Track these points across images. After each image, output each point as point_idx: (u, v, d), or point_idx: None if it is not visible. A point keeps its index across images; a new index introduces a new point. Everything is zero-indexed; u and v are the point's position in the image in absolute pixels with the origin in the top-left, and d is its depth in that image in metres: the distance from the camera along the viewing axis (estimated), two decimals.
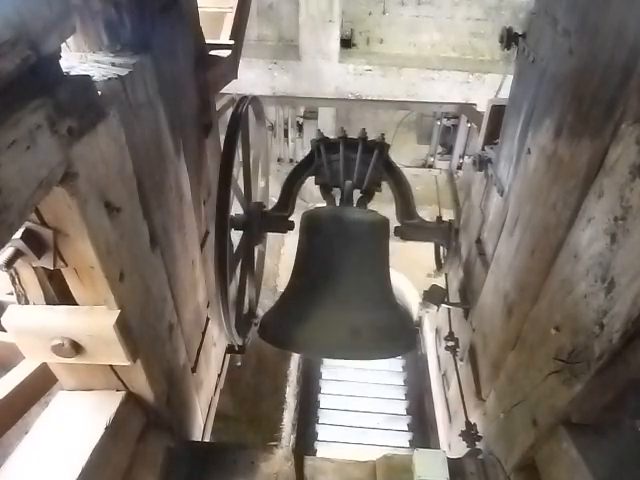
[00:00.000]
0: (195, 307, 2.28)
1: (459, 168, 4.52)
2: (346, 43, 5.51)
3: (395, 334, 2.17)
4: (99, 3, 1.34)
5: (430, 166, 4.73)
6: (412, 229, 2.39)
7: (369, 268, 2.23)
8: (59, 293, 1.36)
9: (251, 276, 2.54)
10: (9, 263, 1.14)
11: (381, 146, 2.35)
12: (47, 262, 1.20)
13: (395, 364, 5.51)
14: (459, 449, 2.46)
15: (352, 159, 2.34)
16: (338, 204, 2.41)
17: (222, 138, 2.00)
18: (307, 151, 2.48)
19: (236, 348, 2.79)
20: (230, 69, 2.33)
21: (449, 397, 3.13)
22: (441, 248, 2.74)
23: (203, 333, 2.46)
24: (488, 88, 4.92)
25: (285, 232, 2.38)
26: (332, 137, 2.42)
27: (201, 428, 2.52)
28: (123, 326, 1.34)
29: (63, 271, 1.26)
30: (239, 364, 3.05)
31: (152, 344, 1.64)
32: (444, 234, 2.39)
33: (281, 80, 5.47)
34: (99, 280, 1.25)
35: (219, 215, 1.89)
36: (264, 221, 2.33)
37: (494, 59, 5.47)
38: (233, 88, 2.68)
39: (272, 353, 4.86)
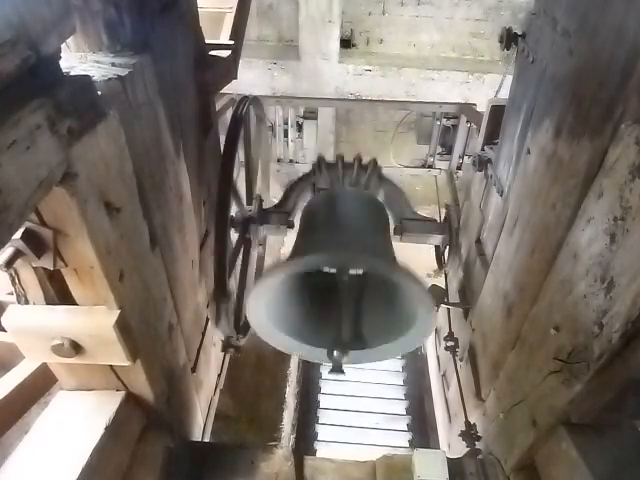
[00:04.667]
0: (195, 307, 2.28)
1: (459, 168, 4.51)
2: (346, 43, 5.51)
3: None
4: (99, 3, 1.34)
5: (430, 166, 4.71)
6: (410, 225, 2.40)
7: (370, 236, 2.22)
8: (59, 293, 1.36)
9: (251, 276, 2.54)
10: (9, 263, 1.14)
11: (374, 162, 2.44)
12: (47, 262, 1.20)
13: (395, 364, 5.51)
14: (459, 449, 2.46)
15: (349, 172, 2.44)
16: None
17: (222, 138, 2.01)
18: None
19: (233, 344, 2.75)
20: (230, 69, 2.33)
21: (449, 397, 3.13)
22: (441, 249, 2.74)
23: (203, 333, 2.46)
24: (488, 88, 4.92)
25: (285, 233, 2.39)
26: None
27: (201, 428, 2.52)
28: (123, 326, 1.34)
29: (63, 271, 1.26)
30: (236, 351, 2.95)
31: (152, 344, 1.64)
32: (443, 228, 2.40)
33: (281, 80, 5.47)
34: (99, 280, 1.25)
35: (219, 215, 1.89)
36: (264, 219, 2.34)
37: (494, 59, 5.47)
38: (233, 88, 2.68)
39: (272, 353, 4.86)
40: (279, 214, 2.37)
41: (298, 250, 2.14)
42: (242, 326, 2.34)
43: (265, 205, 2.44)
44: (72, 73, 1.09)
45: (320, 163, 2.48)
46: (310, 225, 2.25)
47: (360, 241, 2.04)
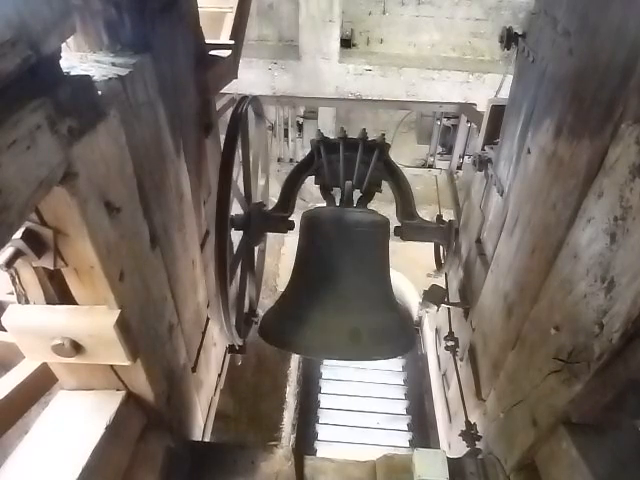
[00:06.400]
0: (195, 307, 2.28)
1: (459, 168, 4.51)
2: (346, 43, 5.51)
3: (394, 335, 2.17)
4: (99, 3, 1.34)
5: (430, 166, 4.71)
6: (412, 229, 2.39)
7: (369, 269, 2.23)
8: (59, 293, 1.36)
9: (251, 276, 2.54)
10: (9, 263, 1.14)
11: (381, 146, 2.36)
12: (47, 262, 1.20)
13: (395, 364, 5.51)
14: (459, 449, 2.46)
15: (352, 159, 2.36)
16: (338, 204, 2.42)
17: (222, 138, 2.01)
18: (307, 151, 2.49)
19: (237, 347, 2.78)
20: (230, 69, 2.33)
21: (449, 397, 3.13)
22: (441, 248, 2.75)
23: (203, 333, 2.46)
24: (488, 88, 4.92)
25: (285, 232, 2.39)
26: (332, 137, 2.43)
27: (201, 428, 2.52)
28: (123, 326, 1.34)
29: (63, 271, 1.26)
30: (240, 363, 3.05)
31: (152, 344, 1.64)
32: (444, 234, 2.39)
33: (281, 80, 5.47)
34: (99, 280, 1.25)
35: (219, 215, 1.89)
36: (264, 221, 2.34)
37: (494, 59, 5.47)
38: (233, 88, 2.68)
39: (272, 353, 4.86)
40: (279, 218, 2.35)
41: (292, 290, 2.17)
42: (242, 328, 2.35)
43: (265, 204, 2.44)
44: (72, 73, 1.09)
45: (320, 146, 2.32)
46: (306, 260, 2.25)
47: (356, 295, 2.09)
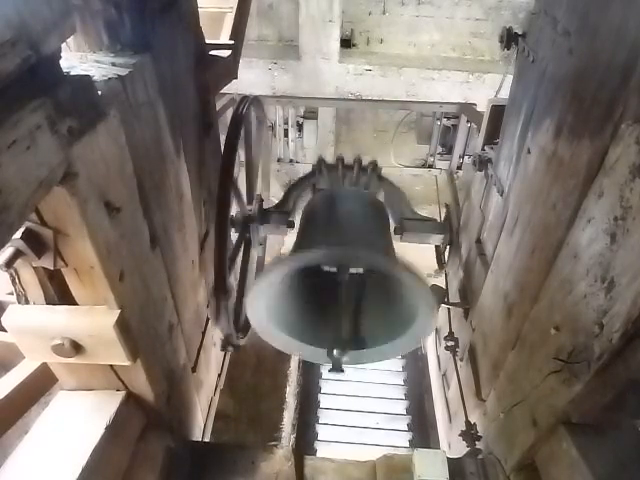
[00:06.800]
0: (195, 307, 2.28)
1: (459, 168, 4.52)
2: (346, 43, 5.50)
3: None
4: (99, 3, 1.34)
5: (430, 166, 4.72)
6: (411, 224, 2.40)
7: (371, 234, 2.22)
8: (59, 293, 1.36)
9: (251, 275, 2.54)
10: (9, 263, 1.14)
11: (374, 164, 2.45)
12: (47, 262, 1.20)
13: (395, 364, 5.51)
14: (459, 449, 2.46)
15: (349, 173, 2.44)
16: None
17: (222, 138, 2.01)
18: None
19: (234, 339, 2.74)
20: (230, 69, 2.33)
21: (449, 397, 3.13)
22: (441, 249, 2.75)
23: (203, 333, 2.46)
24: (488, 88, 4.92)
25: (285, 233, 2.39)
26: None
27: (201, 428, 2.52)
28: (123, 326, 1.34)
29: (63, 271, 1.27)
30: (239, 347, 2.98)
31: (152, 344, 1.64)
32: (444, 226, 2.41)
33: (281, 80, 5.46)
34: (99, 280, 1.25)
35: (219, 215, 1.89)
36: (264, 219, 2.34)
37: (494, 59, 5.47)
38: (233, 88, 2.68)
39: (272, 353, 4.87)
40: (279, 214, 2.37)
41: (298, 248, 2.13)
42: (242, 326, 2.34)
43: (265, 205, 2.44)
44: (72, 73, 1.09)
45: (320, 164, 2.48)
46: (310, 224, 2.25)
47: (361, 239, 2.03)
